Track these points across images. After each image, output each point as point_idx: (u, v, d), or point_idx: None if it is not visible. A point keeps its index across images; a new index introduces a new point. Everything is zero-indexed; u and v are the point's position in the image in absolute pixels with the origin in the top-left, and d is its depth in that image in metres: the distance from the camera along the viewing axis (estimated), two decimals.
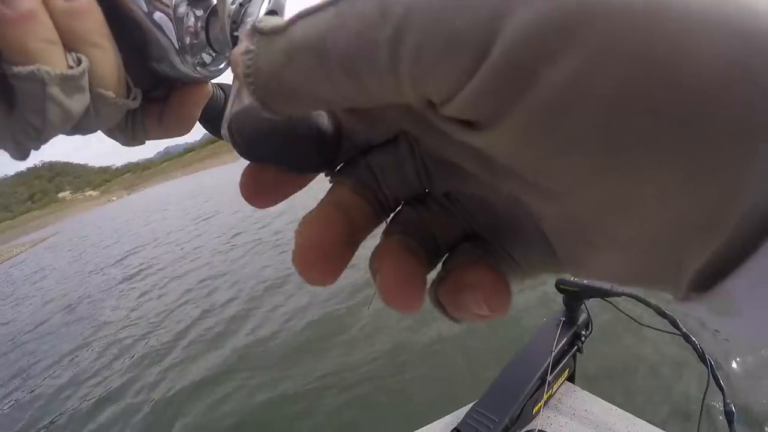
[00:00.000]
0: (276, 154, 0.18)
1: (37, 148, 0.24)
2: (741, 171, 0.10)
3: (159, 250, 9.99)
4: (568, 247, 0.15)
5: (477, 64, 0.11)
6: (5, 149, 0.24)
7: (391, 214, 0.19)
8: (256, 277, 5.61)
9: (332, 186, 0.19)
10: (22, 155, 0.24)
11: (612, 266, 0.14)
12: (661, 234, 0.12)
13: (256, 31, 0.14)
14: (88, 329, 5.88)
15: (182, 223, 13.48)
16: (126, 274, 8.62)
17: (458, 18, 0.10)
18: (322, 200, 0.18)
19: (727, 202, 0.10)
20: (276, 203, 0.19)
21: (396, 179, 0.18)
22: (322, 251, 0.16)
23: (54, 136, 0.23)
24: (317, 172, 0.19)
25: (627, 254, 0.13)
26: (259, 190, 0.18)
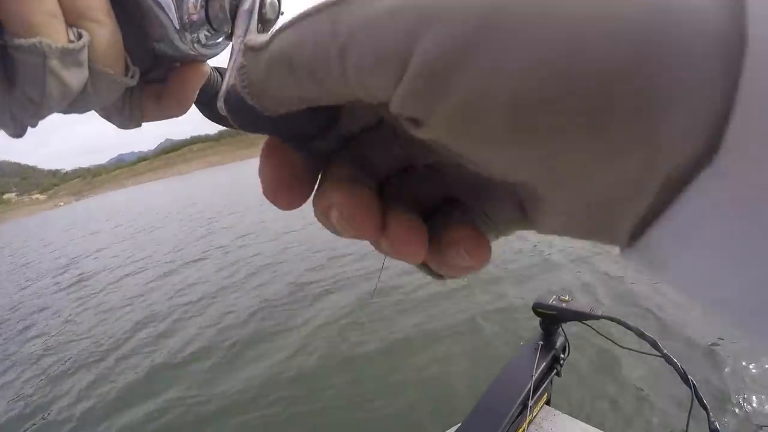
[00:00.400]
0: (270, 123, 0.18)
1: (34, 124, 0.24)
2: (649, 146, 0.11)
3: (100, 262, 9.46)
4: (528, 208, 0.18)
5: (400, 73, 0.13)
6: (3, 126, 0.24)
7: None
8: (196, 292, 5.45)
9: (326, 169, 0.20)
10: (19, 132, 0.24)
11: (560, 225, 0.16)
12: (591, 203, 0.14)
13: (247, 48, 0.17)
14: (17, 341, 5.45)
15: (128, 233, 13.01)
16: (64, 284, 8.08)
17: (383, 37, 0.13)
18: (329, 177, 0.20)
19: (644, 172, 0.12)
20: (298, 202, 0.20)
21: (384, 155, 0.20)
22: (359, 214, 0.18)
23: (51, 112, 0.23)
24: (314, 140, 0.20)
25: (568, 218, 0.15)
26: (279, 187, 0.19)
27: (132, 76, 0.25)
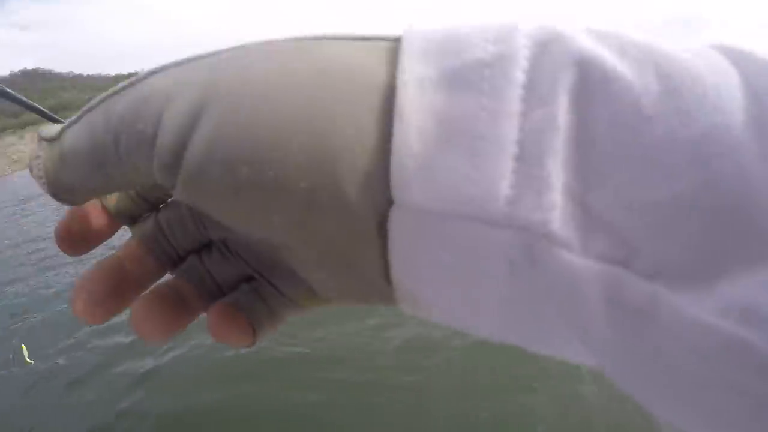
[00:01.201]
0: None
1: None
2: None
3: None
4: (302, 275, 0.18)
5: (151, 152, 0.14)
6: None
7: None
8: None
9: (129, 238, 0.21)
10: None
11: (336, 290, 0.17)
12: (334, 258, 0.15)
13: (40, 138, 0.17)
14: None
15: None
16: None
17: (138, 122, 0.14)
18: (117, 250, 0.21)
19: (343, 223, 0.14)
20: (86, 248, 0.20)
21: (181, 232, 0.21)
22: (92, 299, 0.19)
23: None
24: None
25: (331, 276, 0.16)
26: (68, 237, 0.20)
27: None
